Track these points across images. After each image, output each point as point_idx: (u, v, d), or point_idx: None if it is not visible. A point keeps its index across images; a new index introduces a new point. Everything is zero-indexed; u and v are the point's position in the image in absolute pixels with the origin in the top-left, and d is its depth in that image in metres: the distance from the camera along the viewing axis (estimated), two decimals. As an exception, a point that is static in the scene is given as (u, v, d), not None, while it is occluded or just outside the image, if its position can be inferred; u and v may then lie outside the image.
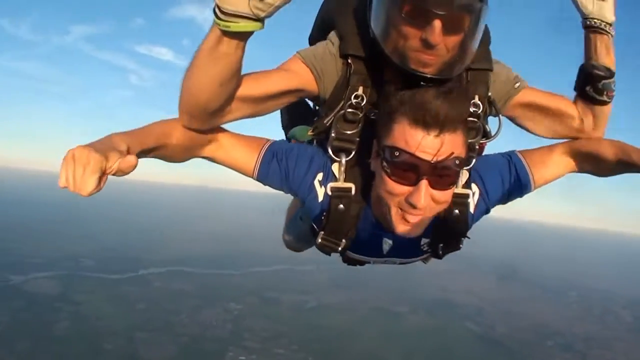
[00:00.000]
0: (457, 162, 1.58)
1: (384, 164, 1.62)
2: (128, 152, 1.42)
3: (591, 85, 1.93)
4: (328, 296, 61.75)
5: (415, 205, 1.58)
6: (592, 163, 2.00)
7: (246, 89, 1.72)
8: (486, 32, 1.86)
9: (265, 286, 64.04)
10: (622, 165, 1.85)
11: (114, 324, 45.90)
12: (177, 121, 1.76)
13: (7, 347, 38.64)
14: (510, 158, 2.00)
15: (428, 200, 1.59)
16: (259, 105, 1.82)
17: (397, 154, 1.57)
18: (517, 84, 1.99)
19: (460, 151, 1.59)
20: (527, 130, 2.13)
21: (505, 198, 2.04)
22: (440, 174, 1.57)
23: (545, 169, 2.01)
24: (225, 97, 1.66)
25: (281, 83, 1.81)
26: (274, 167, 1.91)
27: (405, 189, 1.60)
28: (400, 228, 1.68)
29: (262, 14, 1.41)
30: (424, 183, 1.56)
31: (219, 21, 1.43)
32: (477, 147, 1.89)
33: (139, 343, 43.03)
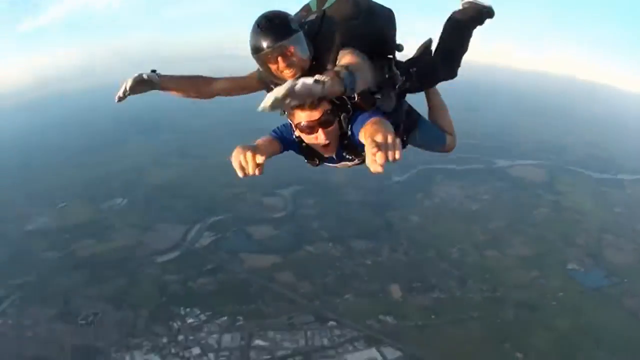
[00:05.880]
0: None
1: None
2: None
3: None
4: None
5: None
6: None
7: None
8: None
9: None
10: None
11: (588, 221, 46.29)
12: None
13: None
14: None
15: (323, 139, 2.96)
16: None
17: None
18: None
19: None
20: None
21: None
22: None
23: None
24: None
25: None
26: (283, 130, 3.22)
27: (312, 137, 3.01)
28: (327, 153, 3.18)
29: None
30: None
31: None
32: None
33: (605, 245, 42.11)
